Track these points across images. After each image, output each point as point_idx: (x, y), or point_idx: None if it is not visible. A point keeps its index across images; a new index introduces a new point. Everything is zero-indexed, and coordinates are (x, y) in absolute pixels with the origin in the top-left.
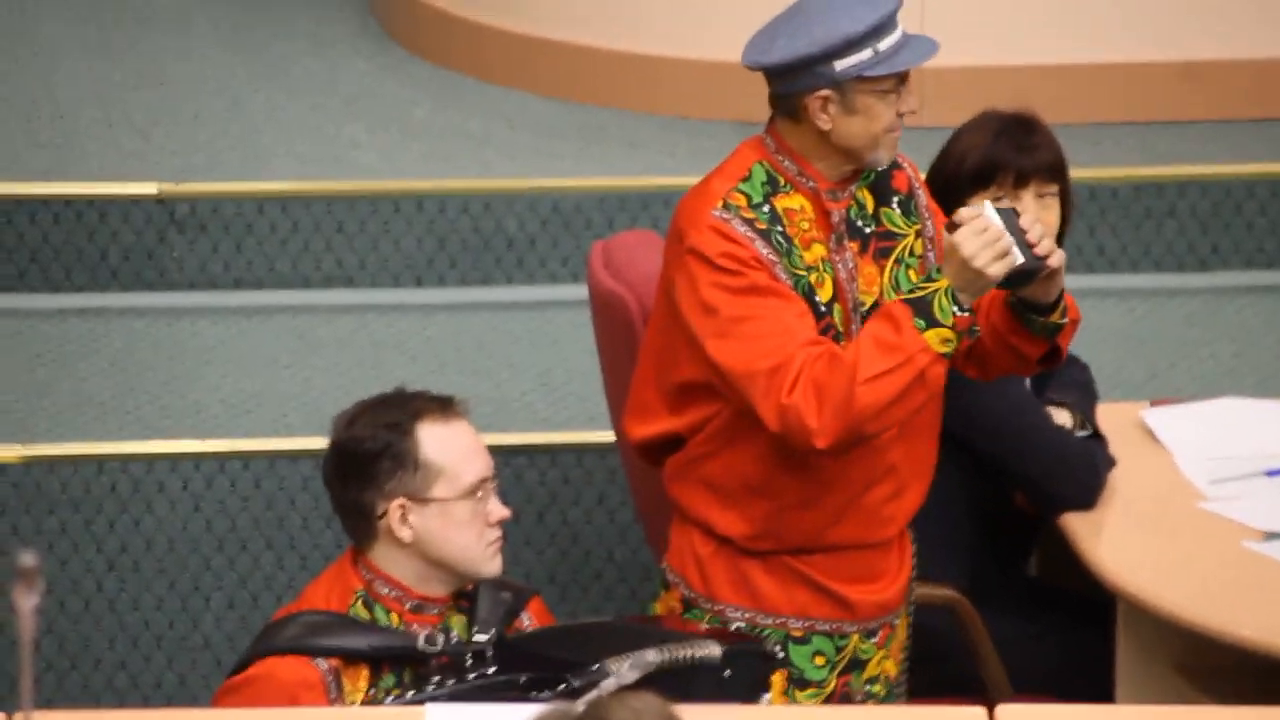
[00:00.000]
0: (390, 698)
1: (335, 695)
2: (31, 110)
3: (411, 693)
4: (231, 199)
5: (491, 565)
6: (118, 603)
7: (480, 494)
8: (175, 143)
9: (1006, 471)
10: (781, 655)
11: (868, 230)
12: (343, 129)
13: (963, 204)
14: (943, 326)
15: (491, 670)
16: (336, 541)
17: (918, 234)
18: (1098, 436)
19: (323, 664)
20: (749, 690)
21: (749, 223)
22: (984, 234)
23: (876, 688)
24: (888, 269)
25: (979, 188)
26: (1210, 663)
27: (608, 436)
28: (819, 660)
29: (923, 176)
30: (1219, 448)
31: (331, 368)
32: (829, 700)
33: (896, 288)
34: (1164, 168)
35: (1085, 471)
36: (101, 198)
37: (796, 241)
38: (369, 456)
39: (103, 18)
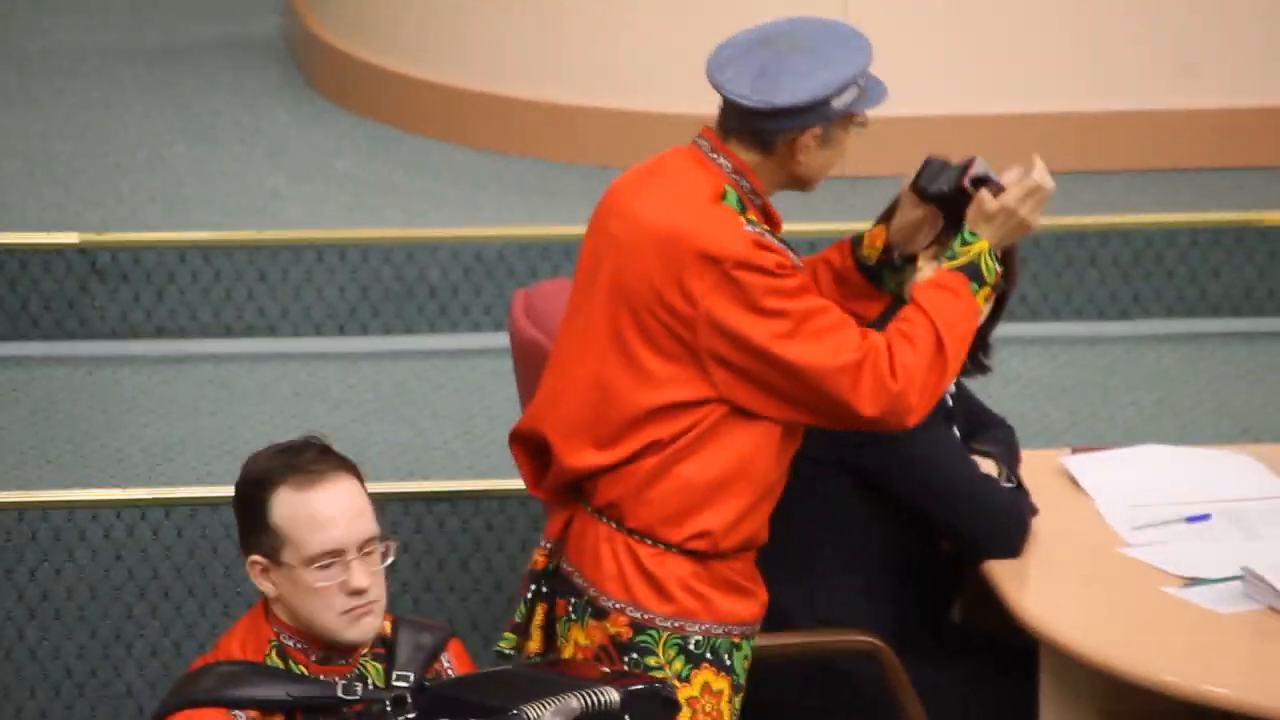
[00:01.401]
0: None
1: None
2: None
3: None
4: (153, 248)
5: (350, 632)
6: (39, 651)
7: (326, 565)
8: (97, 193)
9: (933, 519)
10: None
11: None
12: (265, 179)
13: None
14: (987, 284)
15: (411, 716)
16: (258, 590)
17: None
18: (1020, 489)
19: (241, 716)
20: None
21: (770, 234)
22: (1037, 194)
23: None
24: None
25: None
26: (1134, 708)
27: None
28: (746, 664)
29: None
30: (1140, 494)
31: (254, 416)
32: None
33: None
34: (1085, 217)
35: (1012, 520)
36: (23, 247)
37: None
38: (237, 506)
39: (25, 67)
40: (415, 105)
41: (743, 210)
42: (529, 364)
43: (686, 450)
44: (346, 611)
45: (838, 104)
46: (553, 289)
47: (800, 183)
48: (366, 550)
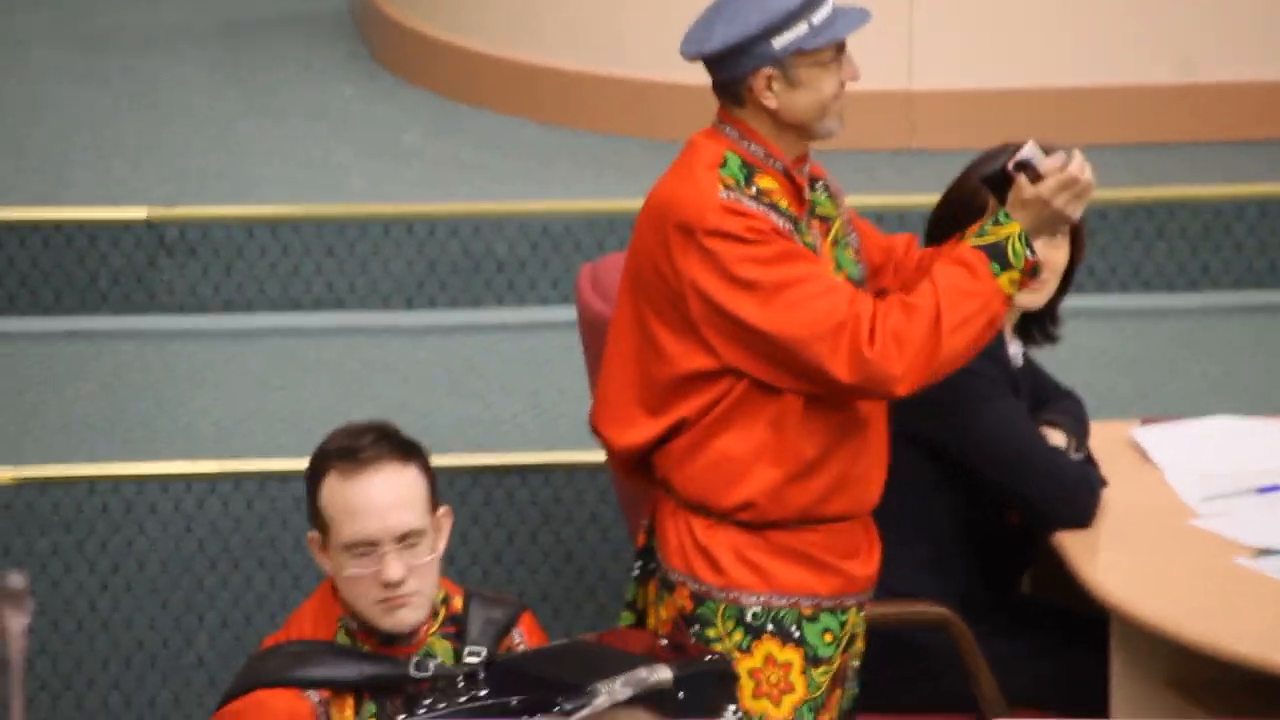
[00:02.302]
0: None
1: None
2: (22, 136)
3: (402, 716)
4: (221, 223)
5: (385, 622)
6: (111, 623)
7: (360, 554)
8: (165, 168)
9: (1002, 491)
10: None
11: (817, 211)
12: (332, 154)
13: (962, 234)
14: (1014, 269)
15: (483, 693)
16: None
17: (839, 217)
18: (1090, 461)
19: (313, 695)
20: (707, 710)
21: (754, 198)
22: (1073, 187)
23: (856, 661)
24: (829, 249)
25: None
26: (1204, 677)
27: (599, 456)
28: (828, 637)
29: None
30: (1210, 465)
31: (322, 390)
32: (835, 678)
33: (839, 267)
34: (1153, 189)
35: (1082, 491)
36: (91, 222)
37: (795, 216)
38: (305, 482)
39: (93, 44)
40: (481, 80)
41: (747, 175)
42: (596, 337)
43: (719, 423)
44: (380, 601)
45: (779, 43)
46: (619, 262)
47: (798, 131)
48: (409, 543)
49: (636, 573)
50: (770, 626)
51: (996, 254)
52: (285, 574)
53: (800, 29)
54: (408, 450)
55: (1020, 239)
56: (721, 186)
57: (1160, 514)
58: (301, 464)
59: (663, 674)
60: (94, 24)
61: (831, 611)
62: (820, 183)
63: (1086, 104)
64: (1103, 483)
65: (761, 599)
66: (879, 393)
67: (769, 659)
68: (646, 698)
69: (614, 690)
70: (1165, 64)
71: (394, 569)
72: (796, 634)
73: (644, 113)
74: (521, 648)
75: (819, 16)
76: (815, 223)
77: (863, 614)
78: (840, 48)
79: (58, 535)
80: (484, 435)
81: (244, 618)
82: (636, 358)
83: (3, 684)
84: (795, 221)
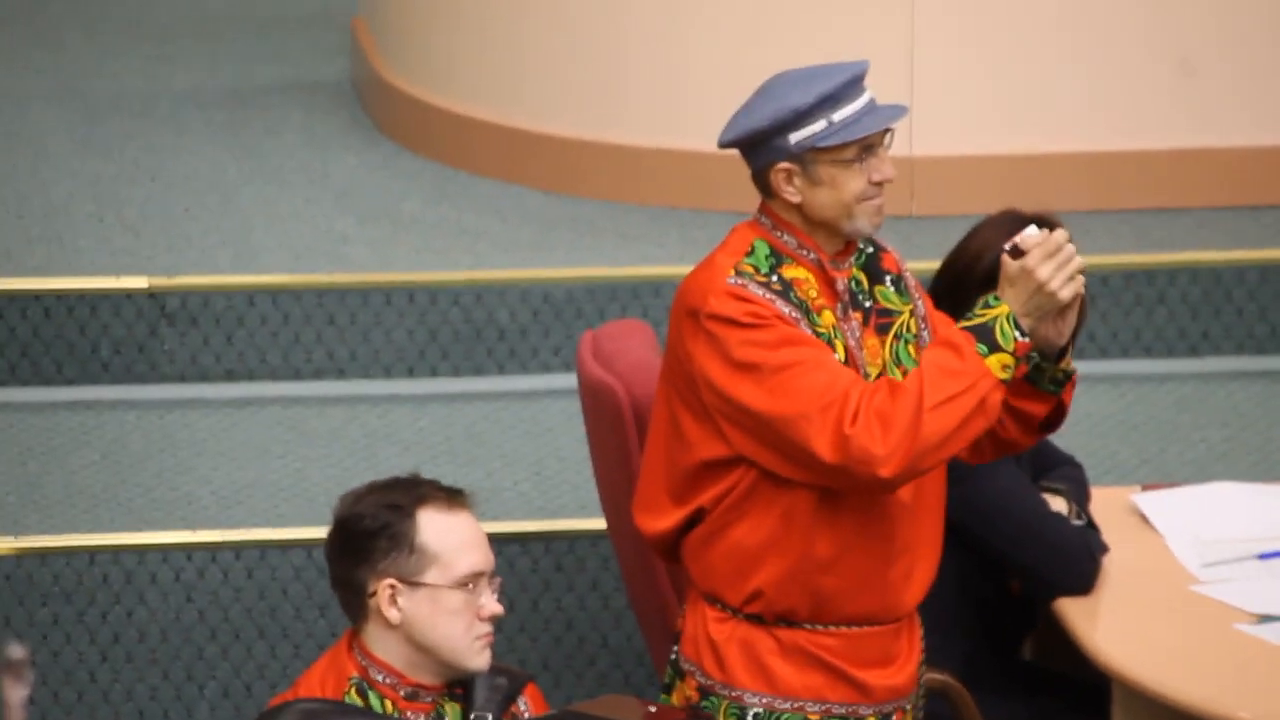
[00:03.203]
0: None
1: None
2: (24, 205)
3: None
4: (222, 292)
5: (478, 659)
6: (111, 694)
7: (472, 586)
8: (167, 237)
9: (1005, 560)
10: None
11: (867, 304)
12: (334, 223)
13: (971, 301)
14: (1004, 352)
15: None
16: (330, 630)
17: (911, 313)
18: (1091, 526)
19: None
20: None
21: (764, 285)
22: (1057, 255)
23: None
24: (888, 343)
25: (990, 288)
26: None
27: (600, 524)
28: None
29: (906, 265)
30: (1211, 531)
31: (324, 459)
32: None
33: (898, 362)
34: (1154, 255)
35: (1082, 558)
36: (93, 292)
37: (809, 306)
38: (367, 534)
39: (95, 113)
40: (482, 148)
41: (773, 264)
42: (597, 405)
43: (733, 513)
44: (480, 637)
45: (795, 138)
46: (620, 330)
47: (823, 226)
48: (492, 579)
49: (673, 657)
50: None
51: (984, 335)
52: (286, 643)
53: (816, 126)
54: (467, 495)
55: (1009, 320)
56: (733, 272)
57: (1161, 580)
58: (302, 533)
59: None
60: (96, 90)
61: (842, 719)
62: (892, 276)
63: (1087, 169)
64: (1104, 549)
65: (764, 700)
66: (864, 475)
67: None
68: None
69: None
70: (1166, 128)
71: (496, 603)
72: None
73: (644, 179)
74: (527, 717)
75: (841, 114)
76: (855, 314)
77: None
78: (868, 147)
79: (58, 606)
80: (486, 503)
81: (245, 687)
82: (665, 445)
83: None
84: (807, 311)
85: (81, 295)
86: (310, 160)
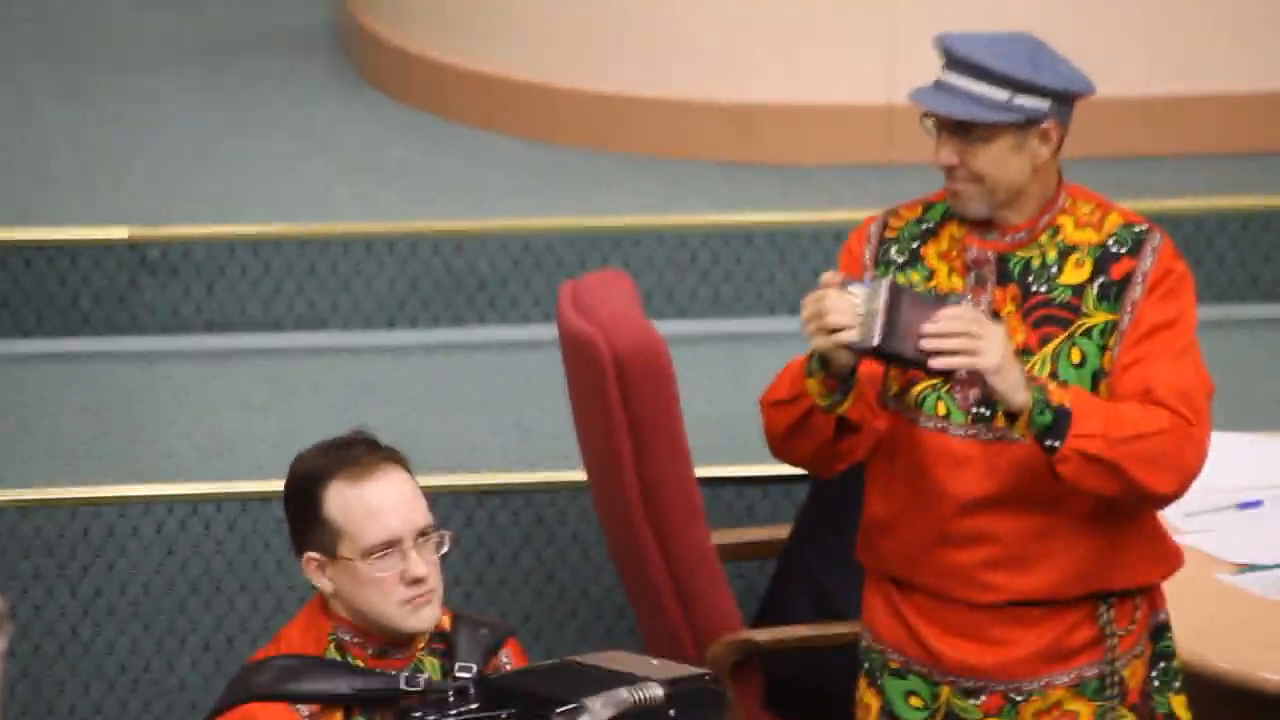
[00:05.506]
0: None
1: None
2: (3, 156)
3: None
4: (203, 242)
5: (412, 621)
6: (93, 647)
7: (384, 555)
8: (147, 187)
9: None
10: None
11: (1037, 288)
12: (315, 172)
13: None
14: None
15: (475, 706)
16: (311, 583)
17: (1112, 324)
18: None
19: (303, 710)
20: None
21: (882, 224)
22: (818, 303)
23: None
24: (1058, 341)
25: None
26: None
27: (581, 476)
28: (914, 701)
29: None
30: None
31: (304, 410)
32: None
33: (1056, 360)
34: (1134, 203)
35: None
36: (73, 243)
37: (919, 254)
38: (289, 503)
39: (76, 62)
40: (464, 96)
41: (924, 212)
42: (577, 355)
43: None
44: (407, 601)
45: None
46: (600, 280)
47: (1018, 193)
48: (422, 539)
49: None
50: (865, 663)
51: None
52: (268, 596)
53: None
54: (397, 454)
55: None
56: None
57: None
58: (283, 485)
59: (654, 691)
60: (77, 41)
61: (922, 678)
62: (1107, 280)
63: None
64: None
65: (867, 635)
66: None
67: (859, 693)
68: (637, 716)
69: (596, 711)
70: (1150, 75)
71: (419, 565)
72: (879, 681)
73: (626, 128)
74: (509, 669)
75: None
76: (1001, 291)
77: (975, 703)
78: (936, 124)
79: (40, 559)
80: (466, 454)
81: (226, 640)
82: None
83: None
84: (885, 254)
85: (61, 246)
86: (291, 110)
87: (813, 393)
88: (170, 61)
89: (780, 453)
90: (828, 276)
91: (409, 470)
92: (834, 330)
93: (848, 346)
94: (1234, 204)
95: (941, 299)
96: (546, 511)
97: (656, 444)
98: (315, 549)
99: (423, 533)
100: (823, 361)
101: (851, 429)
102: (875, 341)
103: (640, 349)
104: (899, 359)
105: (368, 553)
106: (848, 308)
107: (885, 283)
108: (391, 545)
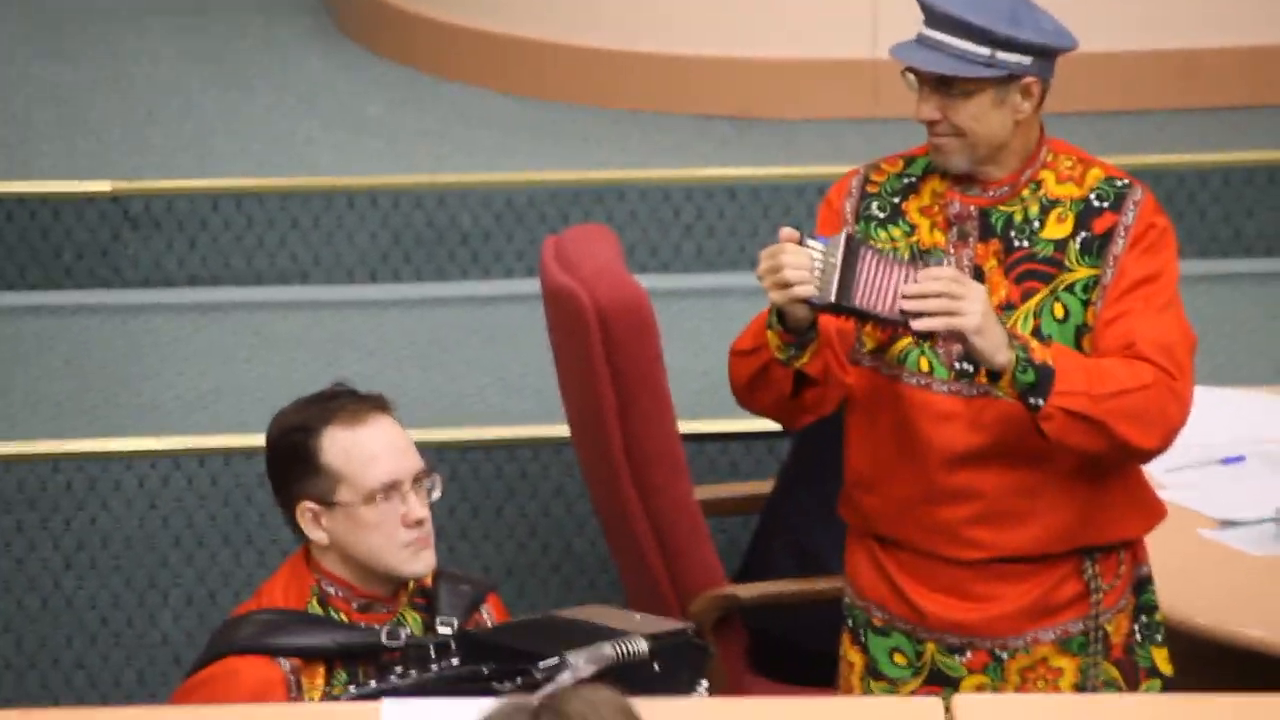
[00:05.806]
0: (353, 687)
1: (296, 694)
2: None
3: (374, 682)
4: (185, 195)
5: (415, 564)
6: (75, 601)
7: (386, 497)
8: (130, 141)
9: None
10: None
11: (1019, 242)
12: (297, 126)
13: None
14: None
15: (455, 661)
16: (294, 537)
17: (1094, 278)
18: None
19: (285, 663)
20: (683, 683)
21: (862, 179)
22: (773, 257)
23: None
24: (1041, 296)
25: None
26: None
27: (564, 430)
28: (898, 659)
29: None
30: None
31: (287, 364)
32: None
33: (1038, 315)
34: (1117, 157)
35: None
36: (56, 196)
37: (900, 210)
38: (280, 458)
39: (58, 18)
40: (447, 51)
41: (905, 166)
42: (560, 310)
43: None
44: (408, 544)
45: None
46: (583, 234)
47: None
48: (420, 483)
49: None
50: (849, 620)
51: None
52: (250, 550)
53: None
54: (383, 400)
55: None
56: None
57: None
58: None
59: (639, 645)
60: None
61: (906, 635)
62: (1089, 235)
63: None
64: None
65: (849, 592)
66: None
67: (843, 653)
68: (618, 671)
69: (578, 666)
70: (1126, 31)
71: (420, 507)
72: (863, 638)
73: (608, 83)
74: (490, 625)
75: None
76: (983, 246)
77: (960, 660)
78: (918, 79)
79: (22, 513)
80: (449, 409)
81: (209, 595)
82: None
83: None
84: (866, 208)
85: (44, 199)
86: (272, 63)
87: (771, 346)
88: (151, 17)
89: (744, 402)
90: (786, 231)
91: (395, 417)
92: (789, 285)
93: (806, 301)
94: (1216, 159)
95: (913, 258)
96: (529, 466)
97: (639, 398)
98: (311, 499)
99: (418, 476)
100: (781, 316)
101: (810, 383)
102: (832, 297)
103: (623, 303)
104: (858, 314)
105: (370, 496)
106: (805, 263)
107: (841, 237)
108: (393, 487)
